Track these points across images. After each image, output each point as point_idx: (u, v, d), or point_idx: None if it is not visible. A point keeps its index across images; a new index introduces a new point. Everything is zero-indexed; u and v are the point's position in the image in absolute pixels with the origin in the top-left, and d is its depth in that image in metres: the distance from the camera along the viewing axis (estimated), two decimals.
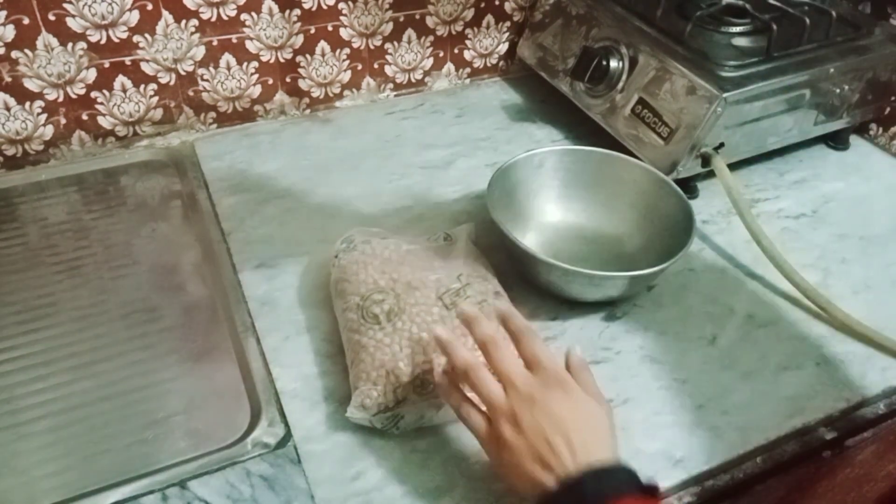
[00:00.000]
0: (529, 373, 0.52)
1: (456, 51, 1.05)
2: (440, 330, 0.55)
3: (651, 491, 0.49)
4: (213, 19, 0.87)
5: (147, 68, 0.87)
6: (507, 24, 1.06)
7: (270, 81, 0.95)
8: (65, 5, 0.79)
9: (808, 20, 0.85)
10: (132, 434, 0.61)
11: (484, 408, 0.54)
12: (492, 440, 0.52)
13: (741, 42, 0.87)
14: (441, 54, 1.04)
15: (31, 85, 0.82)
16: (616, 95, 0.88)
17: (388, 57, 1.00)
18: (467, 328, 0.56)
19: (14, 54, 0.80)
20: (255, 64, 0.92)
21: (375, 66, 1.00)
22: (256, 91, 0.95)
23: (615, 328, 0.71)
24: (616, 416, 0.61)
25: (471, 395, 0.55)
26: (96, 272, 0.75)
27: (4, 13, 0.77)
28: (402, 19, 0.98)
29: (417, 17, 0.98)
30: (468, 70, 1.07)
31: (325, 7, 0.92)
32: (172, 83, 0.89)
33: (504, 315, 0.56)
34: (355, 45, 0.97)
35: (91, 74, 0.85)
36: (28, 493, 0.56)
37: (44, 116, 0.85)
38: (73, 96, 0.85)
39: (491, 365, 0.53)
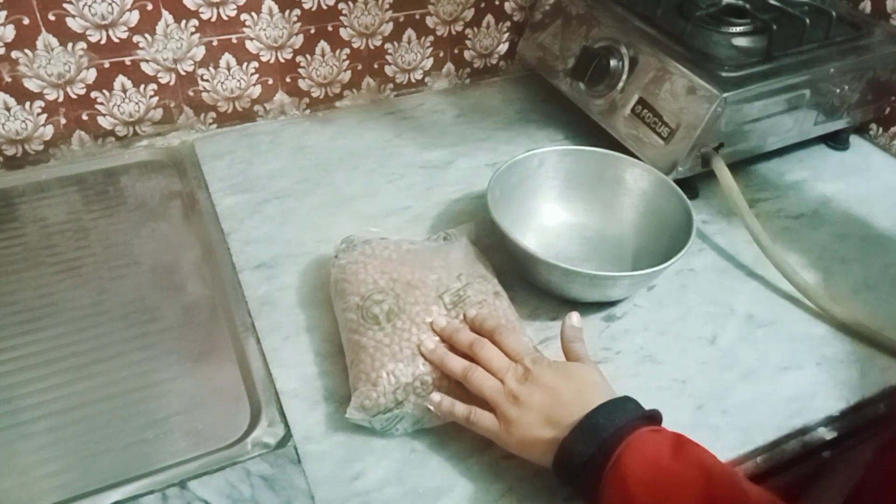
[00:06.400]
0: (514, 363, 0.57)
1: (456, 51, 1.05)
2: (428, 342, 0.59)
3: (657, 417, 0.53)
4: (213, 19, 0.87)
5: (147, 68, 0.87)
6: (507, 24, 1.06)
7: (270, 81, 0.95)
8: (65, 5, 0.79)
9: (807, 20, 0.85)
10: (132, 434, 0.61)
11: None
12: (502, 428, 0.55)
13: (741, 42, 0.87)
14: (441, 54, 1.04)
15: (31, 85, 0.82)
16: (616, 95, 0.88)
17: (388, 57, 1.00)
18: (449, 339, 0.60)
19: (14, 54, 0.80)
20: (255, 64, 0.92)
21: (375, 66, 1.00)
22: (256, 91, 0.95)
23: (615, 328, 0.71)
24: None
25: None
26: (96, 272, 0.75)
27: (4, 13, 0.77)
28: (402, 19, 0.98)
29: (417, 17, 0.98)
30: (468, 70, 1.07)
31: (325, 7, 0.92)
32: (172, 83, 0.89)
33: (477, 319, 0.61)
34: (355, 45, 0.97)
35: (91, 74, 0.85)
36: (28, 493, 0.56)
37: (44, 116, 0.85)
38: (73, 96, 0.85)
39: (482, 363, 0.57)
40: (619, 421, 0.50)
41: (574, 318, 0.62)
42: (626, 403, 0.53)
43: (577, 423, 0.51)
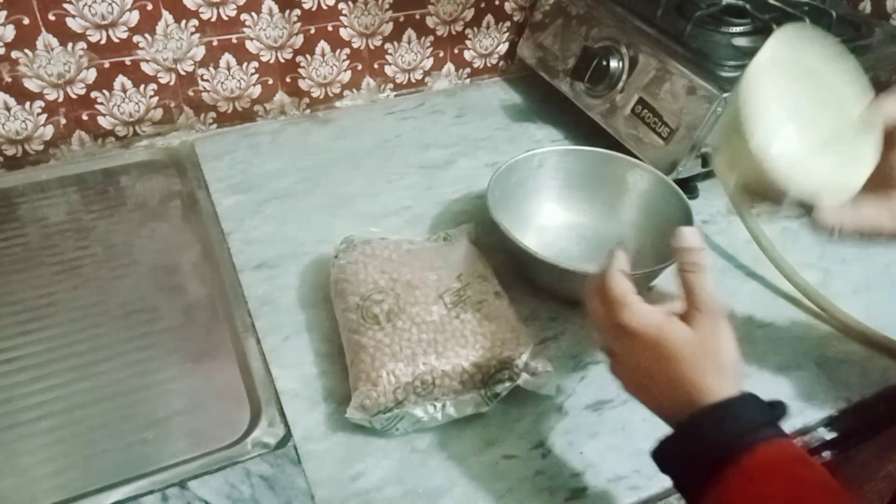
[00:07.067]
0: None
1: (456, 51, 1.05)
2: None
3: (778, 416, 0.46)
4: (213, 19, 0.87)
5: (147, 68, 0.87)
6: (507, 24, 1.06)
7: (270, 81, 0.95)
8: (65, 5, 0.79)
9: (807, 20, 0.85)
10: (132, 434, 0.61)
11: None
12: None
13: (741, 42, 0.87)
14: (441, 54, 1.04)
15: (31, 85, 0.82)
16: (616, 95, 0.88)
17: (388, 57, 1.00)
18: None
19: (14, 54, 0.80)
20: (255, 64, 0.92)
21: (375, 66, 1.00)
22: (256, 91, 0.95)
23: None
24: (616, 416, 0.62)
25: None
26: (96, 272, 0.75)
27: (4, 13, 0.77)
28: (402, 19, 0.98)
29: (417, 17, 0.98)
30: (468, 70, 1.07)
31: (325, 7, 0.92)
32: (172, 83, 0.89)
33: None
34: (355, 45, 0.97)
35: (91, 74, 0.85)
36: (28, 493, 0.56)
37: (44, 116, 0.85)
38: (73, 96, 0.85)
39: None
40: (729, 435, 0.43)
41: (688, 234, 0.48)
42: (740, 410, 0.45)
43: (679, 424, 0.45)
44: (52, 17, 0.79)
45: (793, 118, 0.50)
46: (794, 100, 0.50)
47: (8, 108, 0.83)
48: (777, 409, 0.47)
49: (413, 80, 1.04)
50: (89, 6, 0.80)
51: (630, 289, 0.50)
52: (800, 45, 0.52)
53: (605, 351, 0.52)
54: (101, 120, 0.88)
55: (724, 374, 0.46)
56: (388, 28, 0.97)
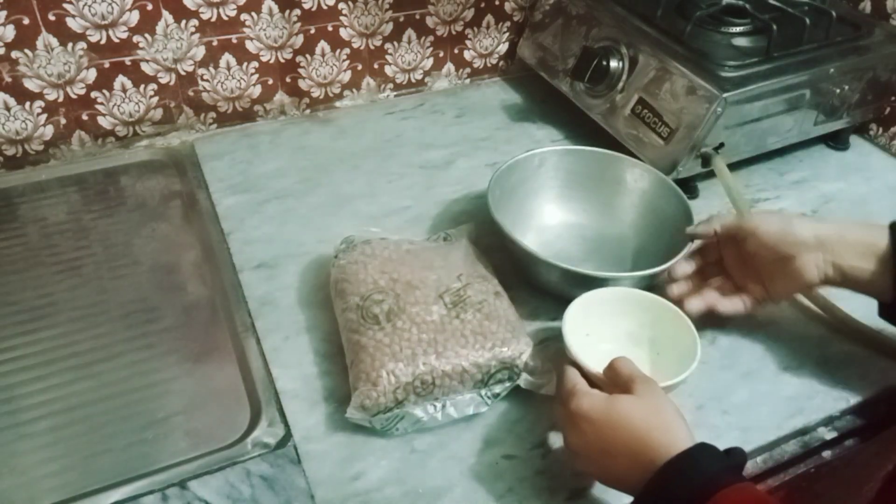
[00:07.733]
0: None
1: (456, 51, 1.05)
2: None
3: (737, 460, 0.50)
4: (213, 19, 0.87)
5: (147, 68, 0.87)
6: (507, 24, 1.06)
7: (270, 81, 0.95)
8: (65, 5, 0.79)
9: (808, 20, 0.85)
10: (132, 434, 0.61)
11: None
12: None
13: (741, 42, 0.87)
14: (441, 54, 1.04)
15: (31, 85, 0.82)
16: (616, 95, 0.88)
17: (388, 57, 1.00)
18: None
19: (14, 54, 0.80)
20: (255, 64, 0.92)
21: (375, 66, 1.00)
22: (256, 91, 0.95)
23: None
24: None
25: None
26: (96, 272, 0.75)
27: (4, 13, 0.77)
28: (402, 19, 0.98)
29: (417, 17, 0.98)
30: (468, 70, 1.07)
31: (325, 7, 0.92)
32: (172, 83, 0.89)
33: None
34: (355, 45, 0.97)
35: (91, 74, 0.85)
36: (28, 493, 0.56)
37: (44, 116, 0.85)
38: (73, 96, 0.85)
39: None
40: (690, 486, 0.46)
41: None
42: (698, 461, 0.48)
43: (643, 486, 0.48)
44: (52, 17, 0.79)
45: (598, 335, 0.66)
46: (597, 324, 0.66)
47: (8, 108, 0.83)
48: (735, 456, 0.50)
49: (413, 80, 1.04)
50: (89, 6, 0.80)
51: (580, 381, 0.56)
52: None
53: (567, 446, 0.55)
54: (101, 120, 0.88)
55: (675, 427, 0.51)
56: (388, 28, 0.97)
